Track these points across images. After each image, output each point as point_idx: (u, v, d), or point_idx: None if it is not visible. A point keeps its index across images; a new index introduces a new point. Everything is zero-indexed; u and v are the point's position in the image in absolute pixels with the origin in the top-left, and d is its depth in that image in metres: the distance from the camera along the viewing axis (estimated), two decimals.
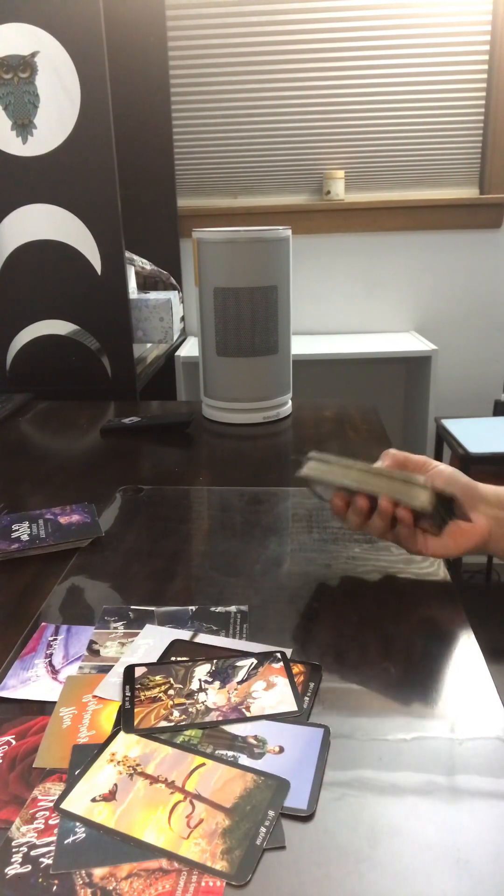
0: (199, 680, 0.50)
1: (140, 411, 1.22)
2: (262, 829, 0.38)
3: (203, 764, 0.42)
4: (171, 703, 0.48)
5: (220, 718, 0.46)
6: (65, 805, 0.39)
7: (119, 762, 0.42)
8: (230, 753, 0.43)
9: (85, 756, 0.43)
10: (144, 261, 1.77)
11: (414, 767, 0.42)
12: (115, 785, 0.40)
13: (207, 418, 1.15)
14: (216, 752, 0.43)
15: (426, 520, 0.60)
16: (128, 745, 0.43)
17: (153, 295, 1.65)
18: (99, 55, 1.23)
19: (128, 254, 1.47)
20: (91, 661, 0.53)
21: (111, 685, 0.50)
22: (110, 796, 0.40)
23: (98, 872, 0.36)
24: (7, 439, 1.09)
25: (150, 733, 0.45)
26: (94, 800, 0.40)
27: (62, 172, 1.29)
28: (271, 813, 0.39)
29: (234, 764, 0.42)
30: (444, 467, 0.62)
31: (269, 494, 0.84)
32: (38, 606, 0.61)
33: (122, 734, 0.44)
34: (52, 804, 0.40)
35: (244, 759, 0.43)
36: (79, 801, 0.40)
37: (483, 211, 2.12)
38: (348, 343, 2.10)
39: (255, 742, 0.44)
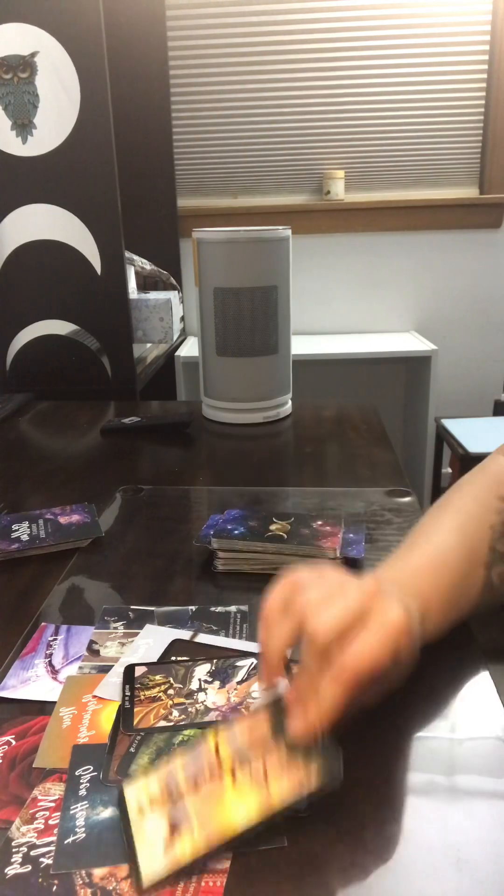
0: (199, 680, 0.50)
1: (140, 411, 1.22)
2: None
3: (217, 735, 0.41)
4: (170, 702, 0.48)
5: (220, 718, 0.46)
6: (146, 881, 0.35)
7: (152, 808, 0.39)
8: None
9: (86, 757, 0.43)
10: (144, 261, 1.77)
11: (414, 767, 0.42)
12: (170, 822, 0.37)
13: (207, 418, 1.15)
14: (212, 724, 0.42)
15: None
16: (143, 787, 0.40)
17: (153, 295, 1.65)
18: (99, 55, 1.23)
19: (128, 254, 1.47)
20: (91, 661, 0.53)
21: (111, 685, 0.50)
22: (176, 833, 0.37)
23: (98, 872, 0.36)
24: (7, 439, 1.09)
25: (150, 732, 0.45)
26: (165, 850, 0.36)
27: (62, 172, 1.29)
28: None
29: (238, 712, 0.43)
30: None
31: (269, 494, 0.84)
32: (38, 606, 0.61)
33: (126, 790, 0.40)
34: (52, 804, 0.40)
35: None
36: (153, 865, 0.35)
37: (483, 211, 2.12)
38: (348, 343, 2.10)
39: None
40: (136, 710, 0.47)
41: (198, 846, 0.36)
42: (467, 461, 1.76)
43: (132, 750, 0.44)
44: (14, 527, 0.74)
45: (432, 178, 2.15)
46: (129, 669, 0.51)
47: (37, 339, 1.40)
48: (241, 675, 0.50)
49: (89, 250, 1.34)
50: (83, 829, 0.38)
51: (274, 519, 0.70)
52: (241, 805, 0.37)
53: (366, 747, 0.44)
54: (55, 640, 0.56)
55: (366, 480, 0.87)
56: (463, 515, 0.53)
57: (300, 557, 0.64)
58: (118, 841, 0.37)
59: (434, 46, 2.01)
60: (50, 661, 0.53)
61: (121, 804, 0.39)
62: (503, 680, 0.55)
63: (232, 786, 0.38)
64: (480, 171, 2.14)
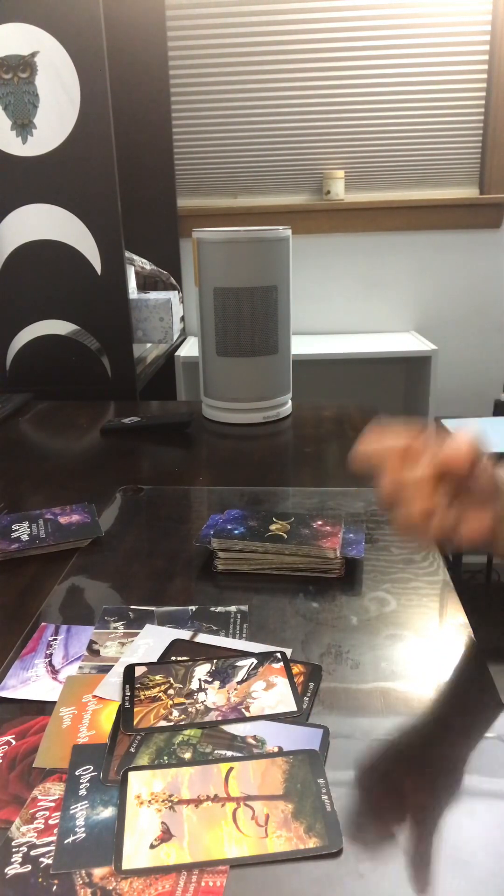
0: (199, 680, 0.50)
1: (140, 411, 1.22)
2: (325, 798, 0.39)
3: (231, 768, 0.42)
4: (170, 702, 0.48)
5: (220, 718, 0.46)
6: (126, 865, 0.36)
7: (150, 801, 0.40)
8: (229, 753, 0.43)
9: (86, 757, 0.43)
10: (144, 261, 1.77)
11: (414, 767, 0.42)
12: (164, 823, 0.38)
13: (207, 418, 1.15)
14: (229, 753, 0.43)
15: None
16: (146, 781, 0.41)
17: (153, 295, 1.65)
18: (99, 55, 1.23)
19: (128, 254, 1.47)
20: (91, 661, 0.53)
21: (111, 685, 0.50)
22: (166, 836, 0.38)
23: (98, 872, 0.36)
24: (7, 439, 1.09)
25: (150, 732, 0.45)
26: (152, 846, 0.37)
27: (62, 172, 1.29)
28: (321, 781, 0.41)
29: (259, 755, 0.43)
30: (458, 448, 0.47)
31: (269, 494, 0.84)
32: (38, 606, 0.61)
33: (130, 774, 0.42)
34: (52, 804, 0.40)
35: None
36: (138, 854, 0.36)
37: (483, 211, 2.12)
38: (348, 343, 2.10)
39: (254, 742, 0.44)
40: (136, 710, 0.47)
41: (183, 857, 0.36)
42: None
43: (132, 750, 0.44)
44: (14, 527, 0.74)
45: (432, 178, 2.15)
46: (129, 669, 0.51)
47: (37, 339, 1.40)
48: (241, 675, 0.50)
49: (89, 250, 1.34)
50: (83, 829, 0.38)
51: (274, 519, 0.70)
52: (235, 837, 0.37)
53: (365, 748, 0.44)
54: (55, 640, 0.56)
55: (366, 480, 0.87)
56: None
57: (300, 557, 0.65)
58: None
59: (434, 46, 2.01)
60: (50, 661, 0.53)
61: (122, 786, 0.40)
62: (503, 680, 0.55)
63: (231, 817, 0.39)
64: (480, 171, 2.14)
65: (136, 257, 1.68)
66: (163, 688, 0.49)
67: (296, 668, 0.51)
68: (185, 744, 0.44)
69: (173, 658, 0.53)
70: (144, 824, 0.38)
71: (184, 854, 0.36)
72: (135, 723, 0.46)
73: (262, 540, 0.65)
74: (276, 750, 0.43)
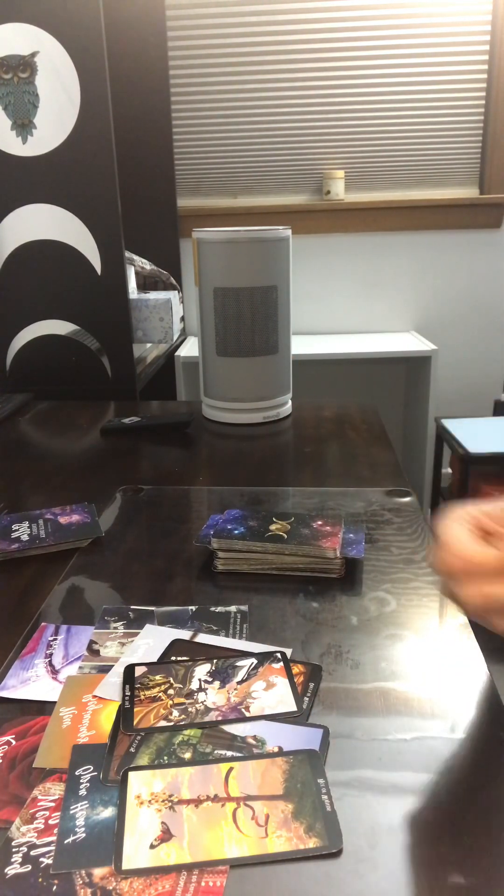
0: (199, 680, 0.50)
1: (140, 411, 1.22)
2: (325, 798, 0.39)
3: (231, 768, 0.42)
4: (170, 702, 0.48)
5: (220, 718, 0.46)
6: (126, 865, 0.35)
7: (150, 801, 0.40)
8: (229, 753, 0.43)
9: (86, 757, 0.43)
10: (144, 261, 1.77)
11: (414, 767, 0.42)
12: (164, 823, 0.38)
13: (207, 418, 1.15)
14: (229, 753, 0.43)
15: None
16: (145, 781, 0.41)
17: (153, 295, 1.65)
18: (99, 55, 1.23)
19: (128, 254, 1.47)
20: (91, 661, 0.53)
21: (111, 685, 0.50)
22: (166, 836, 0.37)
23: (98, 872, 0.36)
24: (7, 439, 1.09)
25: (150, 732, 0.45)
26: (152, 846, 0.37)
27: (62, 172, 1.29)
28: (321, 781, 0.40)
29: (259, 755, 0.43)
30: None
31: (269, 494, 0.84)
32: (38, 606, 0.61)
33: (130, 774, 0.42)
34: (52, 804, 0.40)
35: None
36: (138, 854, 0.37)
37: (483, 211, 2.12)
38: (348, 343, 2.10)
39: (254, 742, 0.44)
40: (136, 710, 0.47)
41: (183, 857, 0.36)
42: (467, 461, 1.76)
43: (132, 750, 0.44)
44: (14, 527, 0.74)
45: (432, 178, 2.15)
46: (129, 669, 0.51)
47: (37, 339, 1.40)
48: (241, 675, 0.50)
49: (89, 250, 1.34)
50: (83, 829, 0.38)
51: (274, 519, 0.70)
52: (235, 837, 0.37)
53: (366, 747, 0.44)
54: (55, 640, 0.56)
55: (366, 480, 0.87)
56: None
57: (300, 557, 0.65)
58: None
59: (434, 46, 2.01)
60: (50, 661, 0.53)
61: (122, 786, 0.40)
62: (503, 680, 0.55)
63: (231, 817, 0.39)
64: (480, 171, 2.14)
65: (136, 257, 1.68)
66: (163, 688, 0.49)
67: (296, 668, 0.51)
68: (185, 744, 0.44)
69: (173, 658, 0.53)
70: (144, 824, 0.38)
71: (184, 854, 0.36)
72: (135, 723, 0.46)
73: (262, 540, 0.65)
74: (276, 750, 0.43)
